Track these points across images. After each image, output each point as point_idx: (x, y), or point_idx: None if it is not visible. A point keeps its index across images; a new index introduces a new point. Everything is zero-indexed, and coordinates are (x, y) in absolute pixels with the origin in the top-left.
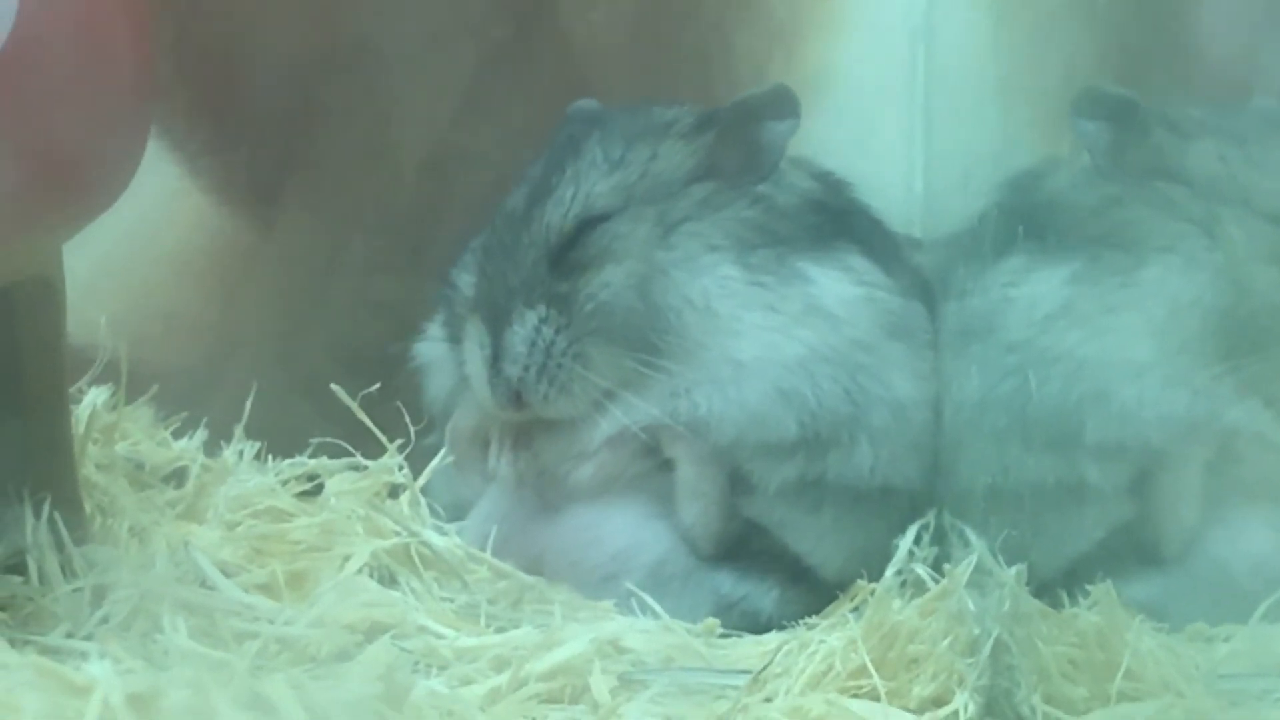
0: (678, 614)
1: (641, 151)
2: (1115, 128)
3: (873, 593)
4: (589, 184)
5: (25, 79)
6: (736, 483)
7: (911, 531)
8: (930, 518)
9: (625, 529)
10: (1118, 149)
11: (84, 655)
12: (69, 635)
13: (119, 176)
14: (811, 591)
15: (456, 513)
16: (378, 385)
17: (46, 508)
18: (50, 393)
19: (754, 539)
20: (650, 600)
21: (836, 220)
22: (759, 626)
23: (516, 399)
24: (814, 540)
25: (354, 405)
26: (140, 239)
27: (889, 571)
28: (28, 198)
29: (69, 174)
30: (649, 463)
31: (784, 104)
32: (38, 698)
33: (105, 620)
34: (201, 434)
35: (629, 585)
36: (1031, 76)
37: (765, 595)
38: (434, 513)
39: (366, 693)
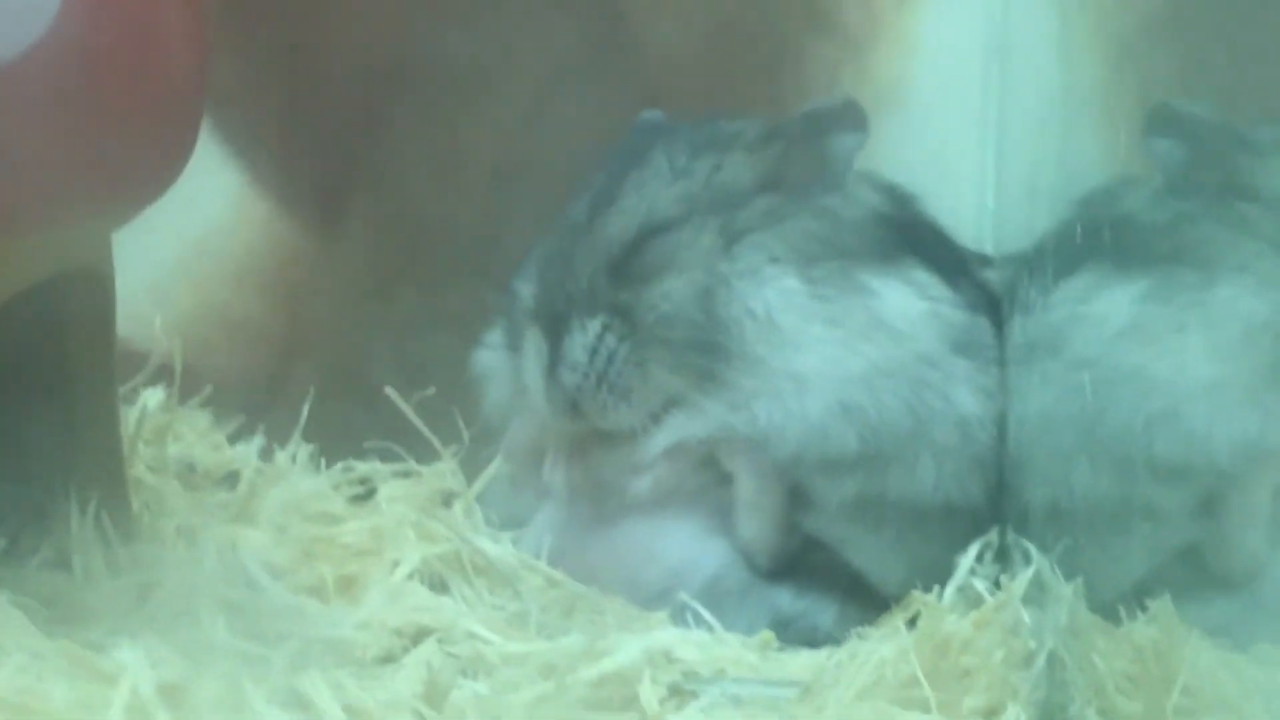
0: (734, 630)
1: (706, 161)
2: (1189, 145)
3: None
4: (652, 193)
5: (72, 64)
6: (796, 498)
7: (973, 549)
8: (993, 535)
9: (681, 544)
10: (1191, 167)
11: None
12: (111, 633)
13: (169, 165)
14: (871, 608)
15: (513, 527)
16: (432, 390)
17: (93, 504)
18: (99, 386)
19: (813, 554)
20: (705, 613)
21: (902, 234)
22: (817, 642)
23: (574, 408)
24: (874, 557)
25: (407, 408)
26: (205, 245)
27: (949, 589)
28: (75, 184)
29: (116, 161)
30: (707, 476)
31: (852, 117)
32: (66, 685)
33: (149, 619)
34: (258, 440)
35: (684, 598)
36: (1106, 93)
37: (824, 612)
38: (489, 522)
39: (406, 692)
